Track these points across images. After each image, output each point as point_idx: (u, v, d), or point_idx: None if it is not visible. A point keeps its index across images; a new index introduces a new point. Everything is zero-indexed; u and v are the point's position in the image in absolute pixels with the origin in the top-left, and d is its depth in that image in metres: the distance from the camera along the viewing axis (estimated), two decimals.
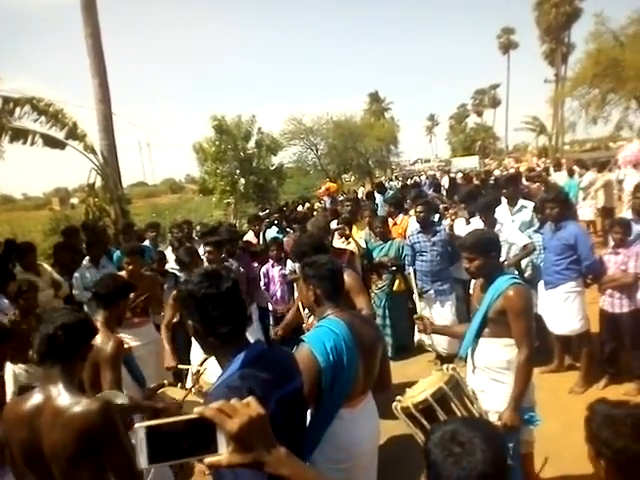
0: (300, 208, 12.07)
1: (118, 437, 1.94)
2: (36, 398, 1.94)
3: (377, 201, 10.65)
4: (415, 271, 5.51)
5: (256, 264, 6.08)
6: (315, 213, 10.41)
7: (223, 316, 1.62)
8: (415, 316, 3.25)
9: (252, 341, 1.74)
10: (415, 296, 3.48)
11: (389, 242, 5.92)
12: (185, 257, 4.48)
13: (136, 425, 0.86)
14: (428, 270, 5.43)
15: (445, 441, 1.13)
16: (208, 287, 1.62)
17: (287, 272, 5.73)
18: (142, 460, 0.85)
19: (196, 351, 4.07)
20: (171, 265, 5.85)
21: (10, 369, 3.81)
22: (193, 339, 4.15)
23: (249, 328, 1.76)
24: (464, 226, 5.57)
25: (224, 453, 0.87)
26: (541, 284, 4.80)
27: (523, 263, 5.24)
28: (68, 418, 1.84)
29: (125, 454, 1.95)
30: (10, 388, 3.70)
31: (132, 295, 3.45)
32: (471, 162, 36.40)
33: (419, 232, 5.54)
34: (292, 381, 1.74)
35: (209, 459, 0.87)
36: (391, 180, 26.45)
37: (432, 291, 5.42)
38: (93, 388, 2.77)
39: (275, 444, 0.93)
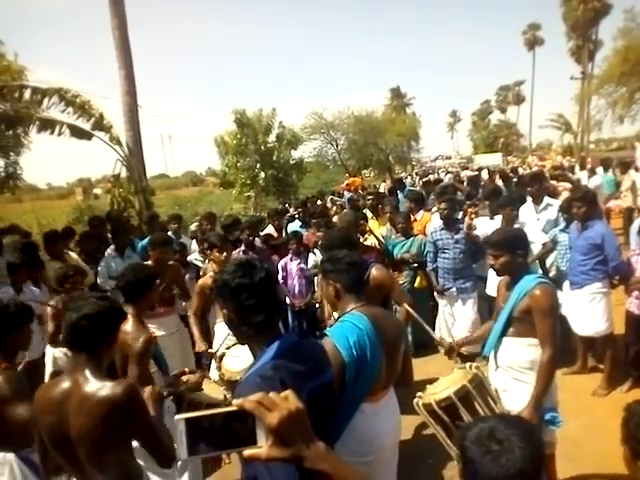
0: (319, 202, 12.12)
1: (144, 416, 1.99)
2: (64, 383, 1.98)
3: (399, 197, 10.57)
4: (437, 268, 5.50)
5: (276, 257, 6.11)
6: (334, 209, 10.39)
7: (257, 306, 1.64)
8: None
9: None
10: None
11: (411, 238, 5.88)
12: (216, 240, 4.52)
13: (176, 417, 0.86)
14: (450, 267, 5.38)
15: (483, 438, 1.12)
16: (242, 277, 1.65)
17: (310, 266, 5.76)
18: (182, 452, 0.85)
19: (218, 340, 4.12)
20: (194, 256, 5.92)
21: (50, 353, 3.93)
22: (214, 329, 4.23)
23: None
24: (487, 222, 5.51)
25: (263, 446, 0.87)
26: (566, 284, 4.73)
27: (548, 263, 5.16)
28: (93, 403, 1.89)
29: (153, 431, 2.01)
30: (49, 370, 3.83)
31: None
32: (494, 159, 35.69)
33: (442, 229, 5.48)
34: (323, 374, 1.74)
35: (248, 451, 0.87)
36: (409, 177, 25.73)
37: (454, 289, 5.37)
38: (124, 376, 2.81)
39: (314, 439, 0.92)
